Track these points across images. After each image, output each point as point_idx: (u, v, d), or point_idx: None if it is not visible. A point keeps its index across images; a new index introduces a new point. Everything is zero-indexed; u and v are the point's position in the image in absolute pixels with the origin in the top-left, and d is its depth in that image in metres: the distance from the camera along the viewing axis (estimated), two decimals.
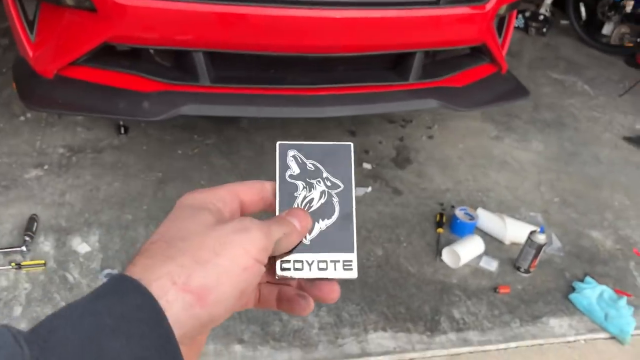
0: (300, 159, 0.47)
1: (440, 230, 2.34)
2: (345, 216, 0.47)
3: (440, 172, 2.78)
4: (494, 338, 1.93)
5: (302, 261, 0.46)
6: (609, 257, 2.37)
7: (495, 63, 2.45)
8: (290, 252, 0.46)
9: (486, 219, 2.38)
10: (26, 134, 2.62)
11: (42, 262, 1.96)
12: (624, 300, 2.07)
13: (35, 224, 2.09)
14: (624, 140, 3.31)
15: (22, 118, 2.72)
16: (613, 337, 1.99)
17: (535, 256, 2.14)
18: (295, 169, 0.47)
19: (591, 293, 2.09)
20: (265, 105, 1.97)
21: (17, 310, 1.79)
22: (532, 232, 2.14)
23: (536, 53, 4.51)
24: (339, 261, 0.46)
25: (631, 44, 4.50)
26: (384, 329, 1.90)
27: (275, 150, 0.47)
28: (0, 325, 0.30)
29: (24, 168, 2.40)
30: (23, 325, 1.74)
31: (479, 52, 2.45)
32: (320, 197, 0.47)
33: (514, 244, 2.32)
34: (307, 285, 0.47)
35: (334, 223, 0.47)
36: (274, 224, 0.42)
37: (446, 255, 2.21)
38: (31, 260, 1.97)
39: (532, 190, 2.74)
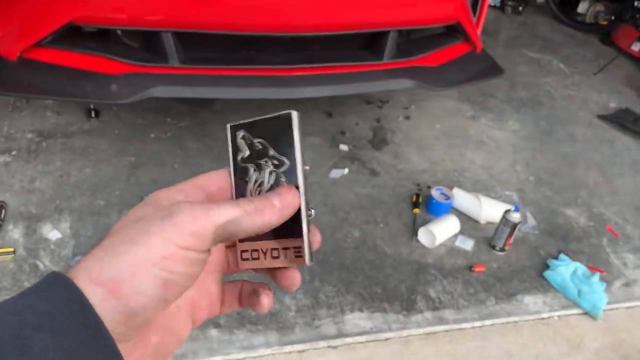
0: (249, 138, 0.44)
1: (416, 210, 2.35)
2: None
3: (417, 152, 2.78)
4: (469, 316, 1.95)
5: (258, 250, 0.44)
6: (582, 234, 2.40)
7: (470, 42, 2.43)
8: (249, 240, 0.43)
9: (462, 198, 2.38)
10: None
11: (11, 249, 1.91)
12: (596, 277, 2.10)
13: (4, 211, 2.04)
14: (598, 118, 3.34)
15: None
16: (586, 313, 2.02)
17: (510, 235, 2.16)
18: (245, 151, 0.44)
19: (565, 270, 2.12)
20: (238, 86, 1.93)
21: None
22: (506, 211, 2.15)
23: (512, 32, 4.52)
24: (289, 248, 0.43)
25: (605, 22, 4.52)
26: (361, 310, 1.91)
27: (226, 133, 0.45)
28: None
29: None
30: None
31: (453, 31, 2.43)
32: (269, 179, 0.43)
33: (489, 223, 2.34)
34: (273, 275, 0.45)
35: None
36: (219, 206, 0.38)
37: (422, 235, 2.22)
38: (0, 249, 1.92)
39: (507, 169, 2.75)
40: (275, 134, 0.43)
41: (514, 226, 2.13)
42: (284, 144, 0.43)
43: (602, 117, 3.34)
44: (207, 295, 0.45)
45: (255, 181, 0.44)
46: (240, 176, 0.44)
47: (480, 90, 3.39)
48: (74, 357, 0.31)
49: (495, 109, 3.27)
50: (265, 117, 0.43)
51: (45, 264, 1.90)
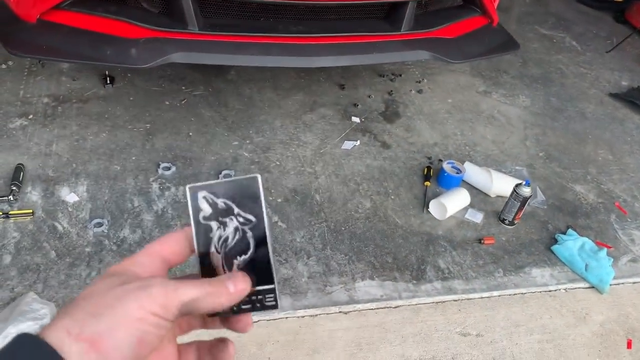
0: (211, 199, 0.48)
1: (427, 183, 2.37)
2: (260, 249, 0.48)
3: (429, 126, 2.79)
4: (477, 287, 1.98)
5: None
6: (591, 210, 2.42)
7: (487, 15, 2.42)
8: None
9: (473, 172, 2.40)
10: (9, 83, 2.56)
11: (30, 211, 1.95)
12: (604, 252, 2.13)
13: (22, 173, 2.07)
14: (609, 96, 3.34)
15: (3, 66, 2.66)
16: (592, 287, 2.05)
17: (520, 209, 2.18)
18: (207, 210, 0.48)
19: (573, 244, 2.15)
20: (255, 54, 1.94)
21: (7, 259, 1.79)
22: (517, 185, 2.17)
23: (525, 8, 4.47)
24: (261, 295, 0.47)
25: (620, 0, 4.47)
26: (372, 278, 1.95)
27: (186, 194, 0.48)
28: None
29: (8, 117, 2.36)
30: (13, 274, 1.75)
31: (470, 4, 2.42)
32: (235, 234, 0.48)
33: (499, 196, 2.36)
34: (225, 322, 0.49)
35: (251, 258, 0.48)
36: (186, 286, 0.43)
37: (433, 207, 2.25)
38: (19, 209, 1.96)
39: (518, 144, 2.77)
40: (239, 195, 0.48)
41: (525, 200, 2.15)
42: (247, 204, 0.47)
43: (613, 96, 3.34)
44: (164, 356, 0.47)
45: (220, 237, 0.48)
46: (203, 233, 0.48)
47: (492, 65, 3.38)
48: None
49: (507, 84, 3.27)
50: (229, 180, 0.48)
51: (64, 226, 1.93)
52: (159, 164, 2.23)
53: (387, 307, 1.87)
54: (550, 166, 2.65)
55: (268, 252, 0.48)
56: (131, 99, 2.60)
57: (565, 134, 2.92)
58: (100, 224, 1.95)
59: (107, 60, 1.87)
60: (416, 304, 1.90)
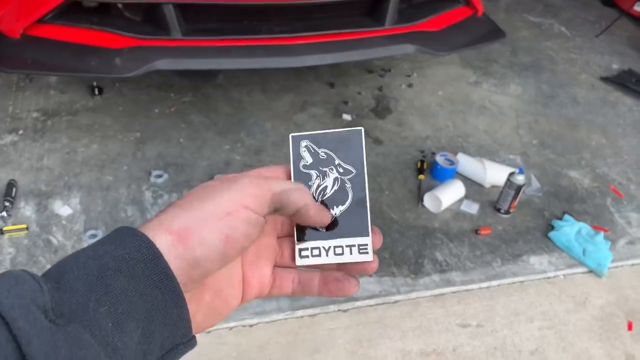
0: (313, 148, 0.48)
1: (421, 176, 2.37)
2: (358, 201, 0.48)
3: (420, 119, 2.78)
4: (476, 277, 1.98)
5: (319, 248, 0.48)
6: (586, 195, 2.42)
7: (471, 6, 2.42)
8: (308, 239, 0.48)
9: (466, 163, 2.40)
10: None
11: (24, 226, 1.95)
12: (601, 236, 2.13)
13: (14, 189, 2.07)
14: (600, 80, 3.33)
15: None
16: (591, 272, 2.05)
17: (515, 197, 2.18)
18: (308, 159, 0.48)
19: (569, 230, 2.14)
20: (241, 57, 1.93)
21: None
22: (511, 174, 2.17)
23: None
24: (354, 245, 0.47)
25: None
26: (369, 274, 1.94)
27: (289, 142, 0.48)
28: (18, 269, 0.33)
29: None
30: None
31: None
32: (334, 184, 0.48)
33: (494, 186, 2.36)
34: (328, 279, 0.48)
35: (347, 209, 0.48)
36: (275, 179, 0.44)
37: (428, 200, 2.24)
38: (13, 225, 1.95)
39: (510, 133, 2.76)
40: (341, 146, 0.48)
41: (519, 188, 2.15)
42: (349, 155, 0.48)
43: (604, 79, 3.33)
44: (259, 274, 0.48)
45: (318, 186, 0.48)
46: (302, 181, 0.48)
47: (482, 56, 3.38)
48: (147, 298, 0.36)
49: (497, 74, 3.26)
50: (334, 130, 0.48)
51: (59, 239, 1.93)
52: (151, 172, 2.23)
53: (386, 303, 1.86)
54: (544, 153, 2.65)
55: (366, 204, 0.47)
56: (120, 108, 2.60)
57: (558, 121, 2.91)
58: (94, 235, 1.95)
59: (92, 71, 1.86)
60: (415, 298, 1.89)
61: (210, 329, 1.66)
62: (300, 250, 0.48)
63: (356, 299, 1.85)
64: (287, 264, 0.49)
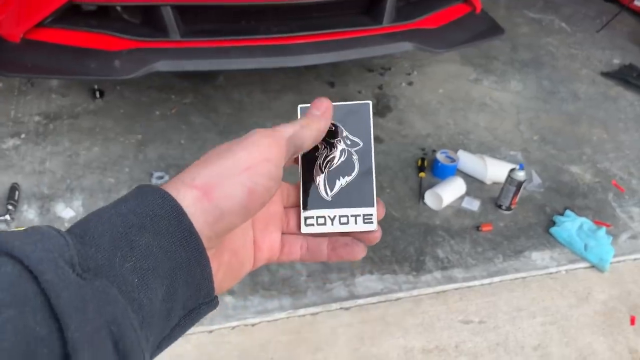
0: None
1: (422, 174, 2.37)
2: (365, 172, 0.49)
3: (421, 117, 2.78)
4: (478, 274, 1.98)
5: (324, 217, 0.49)
6: (588, 190, 2.42)
7: (469, 3, 2.42)
8: (313, 207, 0.49)
9: (467, 160, 2.40)
10: (0, 104, 2.58)
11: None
12: (603, 231, 2.13)
13: (17, 192, 2.08)
14: (601, 75, 3.32)
15: None
16: (593, 267, 2.05)
17: (516, 193, 2.18)
18: None
19: (571, 225, 2.14)
20: (239, 57, 1.94)
21: None
22: (511, 170, 2.17)
23: None
24: (359, 215, 0.48)
25: None
26: (371, 272, 1.95)
27: (297, 113, 0.49)
28: (44, 225, 0.33)
29: (0, 138, 2.37)
30: None
31: None
32: (341, 156, 0.49)
33: (495, 183, 2.36)
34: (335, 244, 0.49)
35: (354, 179, 0.49)
36: (283, 125, 0.44)
37: (429, 198, 2.25)
38: (16, 228, 1.97)
39: (511, 129, 2.76)
40: (350, 118, 0.49)
41: (520, 184, 2.15)
42: (356, 128, 0.49)
43: (605, 74, 3.32)
44: (268, 239, 0.49)
45: (325, 157, 0.49)
46: (310, 151, 0.49)
47: (482, 53, 3.38)
48: (171, 255, 0.36)
49: (497, 71, 3.26)
50: (343, 103, 0.49)
51: None
52: (152, 174, 2.24)
53: (388, 300, 1.86)
54: (545, 149, 2.65)
55: (372, 176, 0.49)
56: (121, 111, 2.61)
57: (559, 116, 2.91)
58: None
59: (92, 74, 1.88)
60: (417, 295, 1.89)
61: (212, 328, 1.66)
62: (306, 218, 0.49)
63: (358, 297, 1.86)
64: (293, 232, 0.50)
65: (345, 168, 0.49)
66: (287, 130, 0.44)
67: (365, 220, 0.48)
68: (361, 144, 0.49)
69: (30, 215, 2.03)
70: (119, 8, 1.97)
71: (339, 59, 2.11)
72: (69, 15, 1.92)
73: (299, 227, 0.49)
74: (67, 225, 2.00)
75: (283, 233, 0.50)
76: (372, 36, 2.12)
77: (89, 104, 2.63)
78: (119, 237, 0.34)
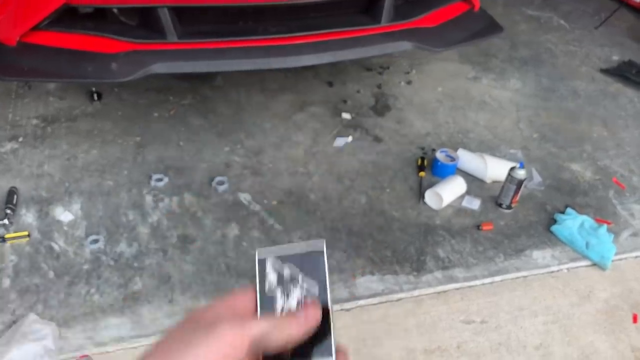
0: (278, 264, 0.48)
1: (422, 173, 2.36)
2: (322, 321, 0.46)
3: (420, 116, 2.78)
4: (479, 273, 1.97)
5: None
6: (588, 188, 2.41)
7: (468, 1, 2.41)
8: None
9: (467, 159, 2.39)
10: None
11: (26, 233, 1.95)
12: (604, 228, 2.12)
13: (15, 196, 2.07)
14: (600, 72, 3.32)
15: None
16: (594, 265, 2.04)
17: (516, 192, 2.17)
18: (273, 277, 0.48)
19: (572, 223, 2.13)
20: (237, 58, 1.93)
21: (6, 282, 1.79)
22: (512, 168, 2.16)
23: None
24: None
25: None
26: (372, 273, 1.94)
27: (255, 263, 0.48)
28: None
29: None
30: (13, 296, 1.75)
31: None
32: (298, 305, 0.47)
33: (495, 182, 2.35)
34: None
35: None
36: (254, 319, 0.43)
37: (429, 197, 2.24)
38: (15, 232, 1.96)
39: (511, 128, 2.75)
40: (305, 261, 0.48)
41: (520, 183, 2.14)
42: (312, 273, 0.47)
43: (604, 71, 3.32)
44: None
45: (282, 307, 0.47)
46: (268, 304, 0.47)
47: (481, 51, 3.37)
48: None
49: (496, 68, 3.25)
50: (296, 244, 0.48)
51: (61, 245, 1.93)
52: (151, 176, 2.23)
53: (389, 301, 1.86)
54: (545, 147, 2.64)
55: (329, 322, 0.46)
56: (119, 113, 2.60)
57: (559, 114, 2.90)
58: (96, 241, 1.95)
59: (89, 77, 1.87)
60: (418, 295, 1.89)
61: None
62: None
63: (359, 298, 1.85)
64: None
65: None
66: (256, 327, 0.42)
67: None
68: (317, 291, 0.47)
69: (28, 219, 2.03)
70: (115, 10, 1.96)
71: (337, 58, 2.10)
72: (66, 18, 1.90)
73: None
74: (66, 229, 1.99)
75: None
76: (371, 36, 2.11)
77: (87, 107, 2.62)
78: None
